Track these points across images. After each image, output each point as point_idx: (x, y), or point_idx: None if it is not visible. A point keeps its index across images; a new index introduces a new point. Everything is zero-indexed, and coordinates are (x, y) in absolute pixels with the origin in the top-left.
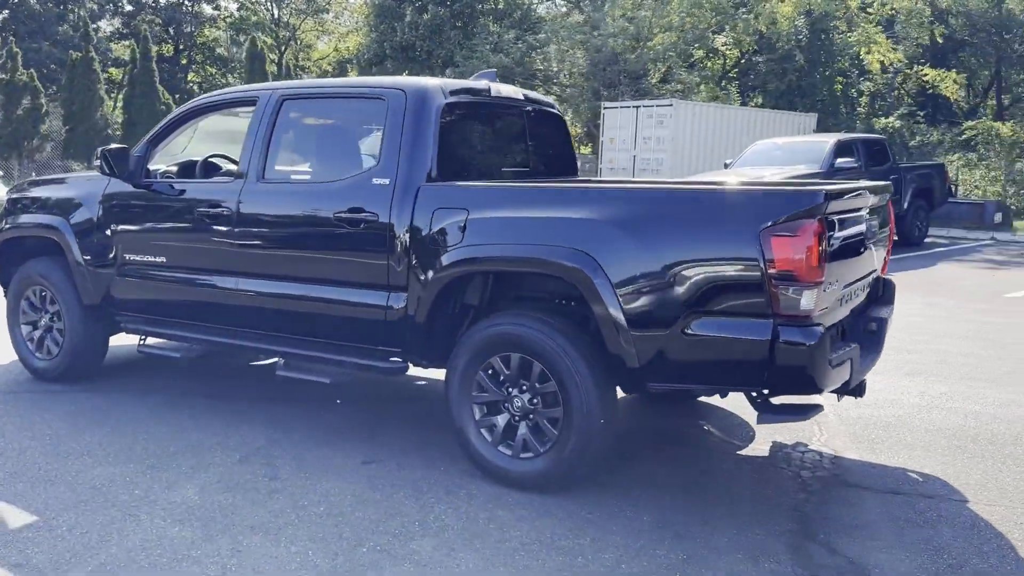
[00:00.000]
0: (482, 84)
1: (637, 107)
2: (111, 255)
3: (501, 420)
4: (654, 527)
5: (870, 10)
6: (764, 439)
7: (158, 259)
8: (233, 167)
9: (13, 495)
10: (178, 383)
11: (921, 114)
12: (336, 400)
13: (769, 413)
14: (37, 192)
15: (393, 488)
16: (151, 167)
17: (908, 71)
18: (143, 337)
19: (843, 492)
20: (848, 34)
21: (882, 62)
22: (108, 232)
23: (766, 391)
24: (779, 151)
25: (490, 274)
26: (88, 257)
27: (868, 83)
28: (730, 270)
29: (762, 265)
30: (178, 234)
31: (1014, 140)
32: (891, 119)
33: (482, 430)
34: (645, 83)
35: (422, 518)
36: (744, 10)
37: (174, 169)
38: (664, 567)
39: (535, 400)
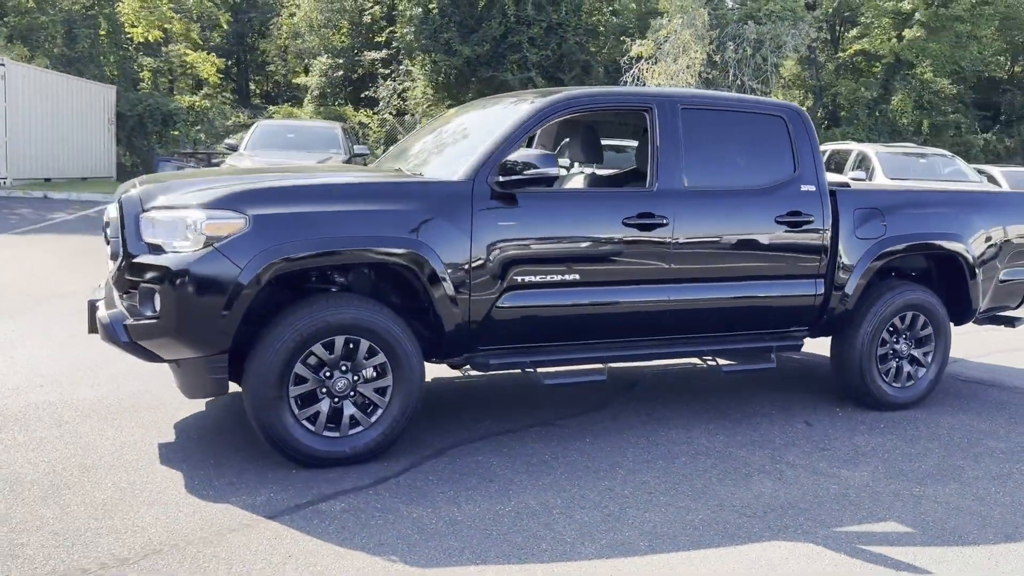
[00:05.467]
0: None
1: None
2: (492, 276)
3: (905, 366)
4: None
5: None
6: None
7: (569, 277)
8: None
9: None
10: (530, 417)
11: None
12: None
13: None
14: (309, 206)
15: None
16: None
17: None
18: (525, 368)
19: None
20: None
21: (147, 38)
22: (495, 250)
23: None
24: (292, 134)
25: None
26: (461, 283)
27: (149, 59)
28: None
29: None
30: (593, 247)
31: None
32: (196, 97)
33: (884, 374)
34: None
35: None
36: None
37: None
38: None
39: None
